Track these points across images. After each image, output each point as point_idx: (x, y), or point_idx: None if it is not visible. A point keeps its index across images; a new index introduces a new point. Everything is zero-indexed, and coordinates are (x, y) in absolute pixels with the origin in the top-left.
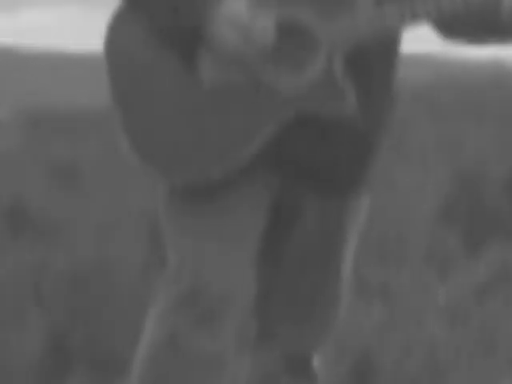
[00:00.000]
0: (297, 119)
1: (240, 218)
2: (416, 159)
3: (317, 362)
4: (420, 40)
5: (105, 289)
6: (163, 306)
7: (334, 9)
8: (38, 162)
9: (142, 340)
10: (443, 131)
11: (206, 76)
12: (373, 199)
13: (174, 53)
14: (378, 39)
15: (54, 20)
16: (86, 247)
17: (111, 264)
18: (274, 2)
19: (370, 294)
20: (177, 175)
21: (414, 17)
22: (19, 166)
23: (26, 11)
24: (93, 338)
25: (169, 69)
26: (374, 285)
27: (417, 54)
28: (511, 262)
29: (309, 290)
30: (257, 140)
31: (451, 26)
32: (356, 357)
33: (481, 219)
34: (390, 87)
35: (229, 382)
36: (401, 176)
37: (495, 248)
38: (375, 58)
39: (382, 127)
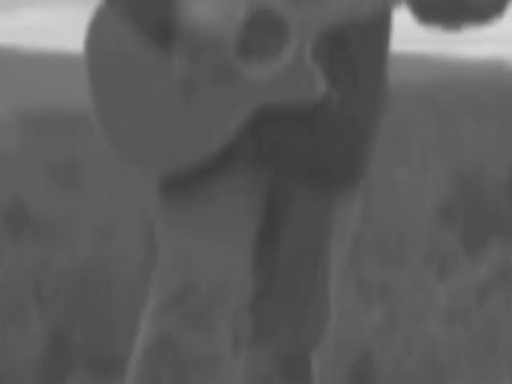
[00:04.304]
0: (278, 111)
1: (231, 215)
2: (416, 159)
3: (316, 363)
4: (420, 41)
5: (105, 289)
6: (154, 305)
7: None
8: (38, 162)
9: (136, 341)
10: (443, 131)
11: (177, 67)
12: (373, 199)
13: (149, 43)
14: (350, 26)
15: (53, 20)
16: (86, 247)
17: (111, 264)
18: None
19: (370, 294)
20: (153, 167)
21: (385, 2)
22: (19, 166)
23: (25, 11)
24: (93, 338)
25: (145, 61)
26: (374, 285)
27: (417, 54)
28: (511, 262)
29: (301, 289)
30: (230, 129)
31: (427, 10)
32: (356, 357)
33: (481, 219)
34: (379, 77)
35: (223, 382)
36: (401, 176)
37: (495, 248)
38: (361, 46)
39: (373, 117)
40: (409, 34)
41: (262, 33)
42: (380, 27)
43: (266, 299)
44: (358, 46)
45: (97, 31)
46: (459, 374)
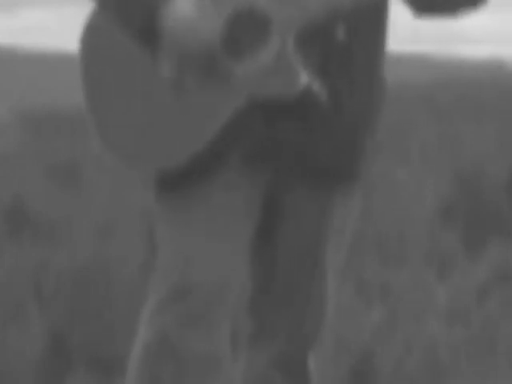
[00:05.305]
0: (272, 109)
1: (229, 215)
2: (416, 159)
3: (313, 362)
4: (420, 40)
5: (105, 289)
6: (153, 306)
7: None
8: (38, 162)
9: (135, 342)
10: (443, 131)
11: (164, 66)
12: (373, 199)
13: (138, 45)
14: (338, 20)
15: (53, 20)
16: (86, 247)
17: (111, 264)
18: None
19: (370, 294)
20: (146, 166)
21: None
22: (19, 166)
23: (25, 11)
24: (93, 338)
25: (137, 61)
26: (374, 285)
27: (417, 54)
28: (511, 262)
29: (301, 289)
30: (217, 125)
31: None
32: (356, 357)
33: (481, 219)
34: (376, 73)
35: (223, 382)
36: (401, 176)
37: (495, 248)
38: (355, 42)
39: (371, 113)
40: (409, 34)
41: (246, 30)
42: (375, 23)
43: (265, 299)
44: (353, 41)
45: (91, 32)
46: (459, 374)
